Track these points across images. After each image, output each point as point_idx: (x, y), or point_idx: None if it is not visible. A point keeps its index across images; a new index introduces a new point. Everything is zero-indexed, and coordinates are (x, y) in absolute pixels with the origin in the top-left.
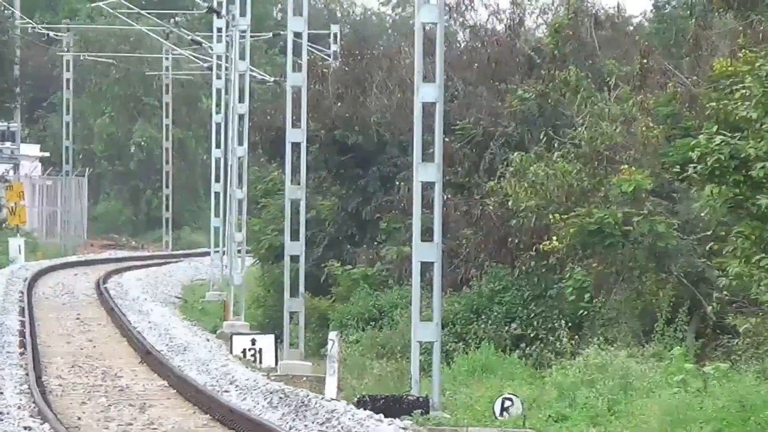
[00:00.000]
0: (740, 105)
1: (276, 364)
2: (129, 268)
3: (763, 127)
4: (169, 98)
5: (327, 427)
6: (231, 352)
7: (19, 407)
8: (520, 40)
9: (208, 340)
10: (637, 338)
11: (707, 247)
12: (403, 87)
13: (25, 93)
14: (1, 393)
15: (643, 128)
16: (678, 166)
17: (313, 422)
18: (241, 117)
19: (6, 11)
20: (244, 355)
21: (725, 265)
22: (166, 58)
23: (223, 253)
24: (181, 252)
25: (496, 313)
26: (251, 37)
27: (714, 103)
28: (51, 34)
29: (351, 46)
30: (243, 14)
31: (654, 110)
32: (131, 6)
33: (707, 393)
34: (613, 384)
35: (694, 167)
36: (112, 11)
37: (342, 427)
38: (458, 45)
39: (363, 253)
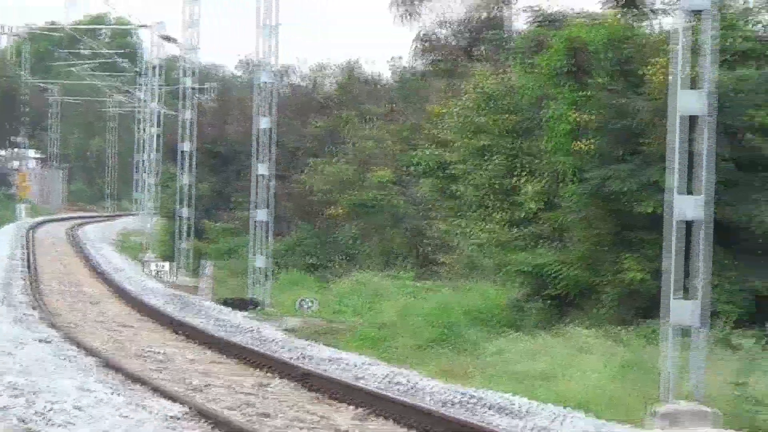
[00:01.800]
0: (444, 131)
1: (173, 279)
2: (88, 223)
3: (456, 144)
4: (115, 124)
5: (202, 315)
6: (146, 272)
7: (23, 302)
8: (317, 93)
9: (134, 265)
10: (383, 267)
11: (424, 215)
12: (250, 119)
13: (30, 121)
14: (13, 294)
15: (389, 144)
16: (409, 166)
17: (193, 313)
18: (155, 137)
19: (18, 73)
20: (154, 274)
21: (435, 225)
22: (111, 99)
23: (143, 214)
24: (118, 213)
25: (301, 251)
26: (161, 87)
27: (429, 131)
28: (44, 85)
29: (221, 95)
30: (155, 76)
31: (395, 134)
32: (93, 70)
33: (423, 298)
34: (369, 293)
35: (417, 167)
36: (81, 73)
37: (210, 315)
38: (282, 95)
39: (224, 216)
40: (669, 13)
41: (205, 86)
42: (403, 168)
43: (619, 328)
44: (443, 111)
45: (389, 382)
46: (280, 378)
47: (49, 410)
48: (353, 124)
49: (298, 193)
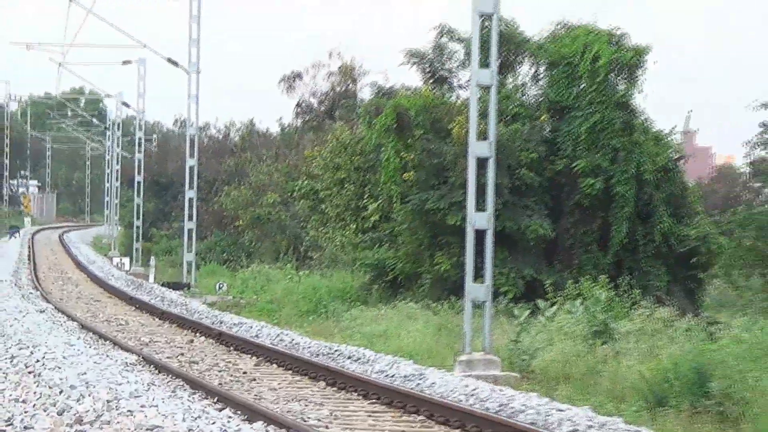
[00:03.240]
0: (316, 167)
1: (129, 269)
2: (72, 230)
3: (325, 176)
4: (89, 162)
5: (149, 294)
6: (112, 264)
7: (27, 284)
8: (229, 141)
9: (103, 259)
10: (273, 261)
11: (300, 225)
12: (182, 159)
13: (32, 161)
14: (20, 278)
15: (276, 176)
16: (291, 192)
17: (144, 292)
18: (117, 171)
19: (24, 127)
20: (117, 266)
21: (309, 232)
22: (87, 145)
23: (109, 224)
24: (92, 224)
25: (218, 250)
26: (122, 138)
27: (304, 168)
28: (41, 136)
29: (162, 143)
30: (116, 130)
31: (281, 170)
32: (75, 126)
33: (300, 282)
34: (263, 278)
35: (297, 192)
36: (67, 128)
37: (155, 293)
38: (204, 142)
39: (165, 225)
40: (466, 88)
41: (151, 137)
42: (286, 193)
43: (434, 302)
44: (314, 154)
45: (278, 339)
46: (203, 336)
47: (45, 358)
48: (252, 162)
49: (215, 211)
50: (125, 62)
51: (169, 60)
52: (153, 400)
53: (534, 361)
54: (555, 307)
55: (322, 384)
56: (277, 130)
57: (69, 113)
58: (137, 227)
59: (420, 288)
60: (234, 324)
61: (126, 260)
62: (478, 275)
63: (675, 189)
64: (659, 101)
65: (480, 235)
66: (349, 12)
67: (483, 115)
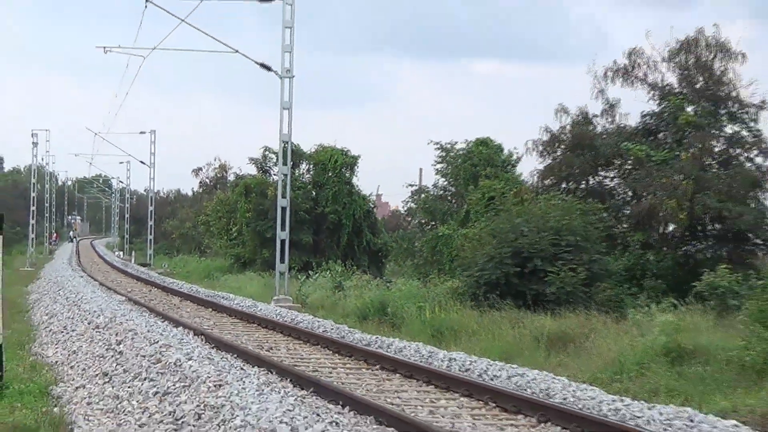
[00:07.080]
0: (209, 211)
1: (122, 257)
2: (97, 240)
3: (212, 215)
4: (104, 208)
5: (132, 269)
6: (115, 255)
7: (74, 264)
8: (168, 199)
9: (111, 253)
10: (189, 254)
11: (202, 237)
12: (147, 207)
13: (77, 208)
14: (72, 262)
15: (190, 215)
16: (197, 222)
17: (129, 268)
18: (117, 213)
19: (74, 193)
20: (117, 256)
21: (205, 241)
22: (104, 201)
23: (114, 235)
24: (107, 237)
25: (163, 248)
26: (119, 197)
27: (203, 211)
28: (82, 197)
29: (138, 199)
30: (117, 194)
31: (193, 212)
32: (97, 192)
33: (201, 264)
34: (184, 263)
35: (200, 222)
36: (93, 193)
37: (135, 268)
38: (157, 199)
39: (140, 238)
40: (277, 174)
41: (133, 197)
42: (195, 222)
43: (263, 273)
44: (207, 205)
45: (190, 289)
46: (156, 288)
47: (83, 299)
48: (179, 208)
49: (163, 230)
50: (121, 162)
51: (141, 162)
52: (132, 317)
53: (308, 299)
54: (318, 275)
55: (210, 309)
56: (191, 193)
57: (95, 186)
58: (126, 238)
59: (256, 266)
60: (170, 282)
61: (121, 253)
62: (282, 260)
63: (371, 221)
64: (366, 180)
65: (282, 242)
66: (228, 134)
67: (284, 186)
